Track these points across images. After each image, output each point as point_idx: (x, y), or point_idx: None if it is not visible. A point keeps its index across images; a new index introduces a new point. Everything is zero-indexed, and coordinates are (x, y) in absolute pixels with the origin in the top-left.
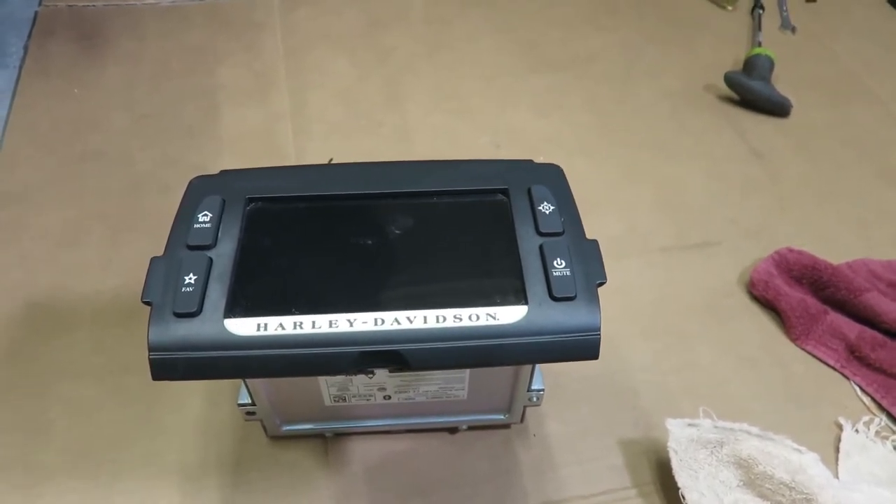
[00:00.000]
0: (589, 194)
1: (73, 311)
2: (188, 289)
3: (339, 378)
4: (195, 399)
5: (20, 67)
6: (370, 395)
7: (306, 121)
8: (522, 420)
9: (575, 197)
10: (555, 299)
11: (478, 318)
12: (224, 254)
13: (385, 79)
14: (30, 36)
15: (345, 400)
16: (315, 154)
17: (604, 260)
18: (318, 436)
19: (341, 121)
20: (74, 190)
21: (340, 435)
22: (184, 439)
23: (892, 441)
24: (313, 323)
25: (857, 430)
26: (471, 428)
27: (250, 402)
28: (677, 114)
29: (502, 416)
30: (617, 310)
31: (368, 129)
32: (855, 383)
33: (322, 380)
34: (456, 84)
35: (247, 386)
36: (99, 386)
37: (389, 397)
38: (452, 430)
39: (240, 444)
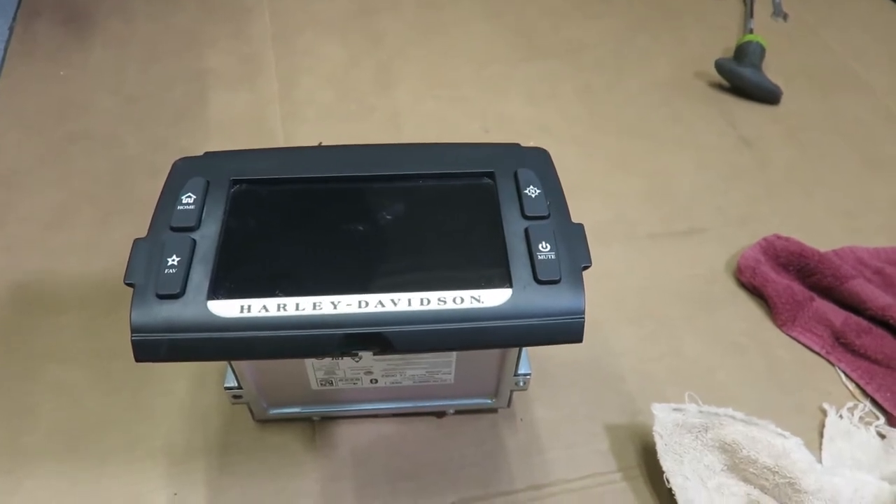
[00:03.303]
0: (578, 181)
1: (60, 295)
2: (171, 270)
3: (326, 361)
4: (182, 382)
5: (5, 49)
6: (357, 379)
7: (295, 105)
8: (509, 404)
9: (563, 184)
10: (539, 282)
11: (462, 300)
12: (208, 235)
13: (376, 64)
14: (15, 17)
15: (332, 384)
16: (304, 139)
17: (591, 246)
18: (305, 419)
19: (331, 106)
20: (62, 173)
21: (328, 419)
22: (171, 423)
23: (876, 427)
24: (297, 305)
25: (841, 416)
26: (458, 412)
27: (237, 385)
28: (667, 101)
29: (489, 401)
30: (604, 295)
31: (358, 114)
32: (840, 369)
33: (309, 363)
34: (447, 70)
35: (233, 369)
36: (86, 369)
37: (376, 381)
38: (440, 414)
39: (227, 427)
